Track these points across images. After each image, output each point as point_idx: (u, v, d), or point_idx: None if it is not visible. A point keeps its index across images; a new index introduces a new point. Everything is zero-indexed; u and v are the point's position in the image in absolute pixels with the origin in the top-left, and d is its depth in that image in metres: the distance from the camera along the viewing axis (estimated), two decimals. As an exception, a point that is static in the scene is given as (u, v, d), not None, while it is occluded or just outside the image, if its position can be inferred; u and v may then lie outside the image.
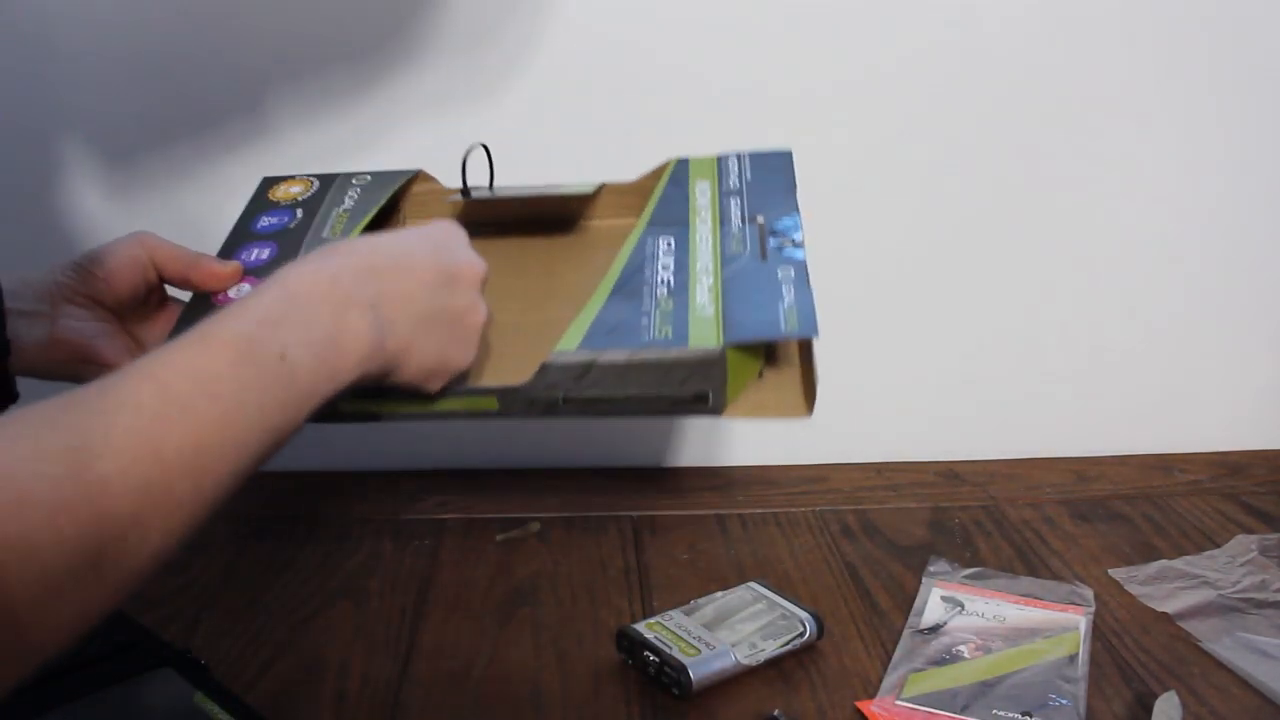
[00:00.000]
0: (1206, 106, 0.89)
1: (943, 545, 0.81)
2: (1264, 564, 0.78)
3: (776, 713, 0.61)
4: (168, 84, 0.83)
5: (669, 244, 0.64)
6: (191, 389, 0.40)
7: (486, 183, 0.71)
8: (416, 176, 0.72)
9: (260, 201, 0.69)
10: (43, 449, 0.35)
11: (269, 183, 0.71)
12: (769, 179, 0.69)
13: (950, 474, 0.93)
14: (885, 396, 0.95)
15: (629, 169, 0.72)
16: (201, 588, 0.74)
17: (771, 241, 0.64)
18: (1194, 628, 0.71)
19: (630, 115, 0.85)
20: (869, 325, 0.93)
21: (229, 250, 0.65)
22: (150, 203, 0.85)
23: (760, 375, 0.61)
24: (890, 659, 0.67)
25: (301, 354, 0.45)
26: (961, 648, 0.67)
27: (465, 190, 0.70)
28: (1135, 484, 0.92)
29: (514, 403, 0.58)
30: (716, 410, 0.59)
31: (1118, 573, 0.77)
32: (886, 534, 0.83)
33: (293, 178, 0.71)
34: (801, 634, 0.67)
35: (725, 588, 0.72)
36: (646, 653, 0.64)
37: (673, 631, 0.65)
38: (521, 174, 0.72)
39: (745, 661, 0.64)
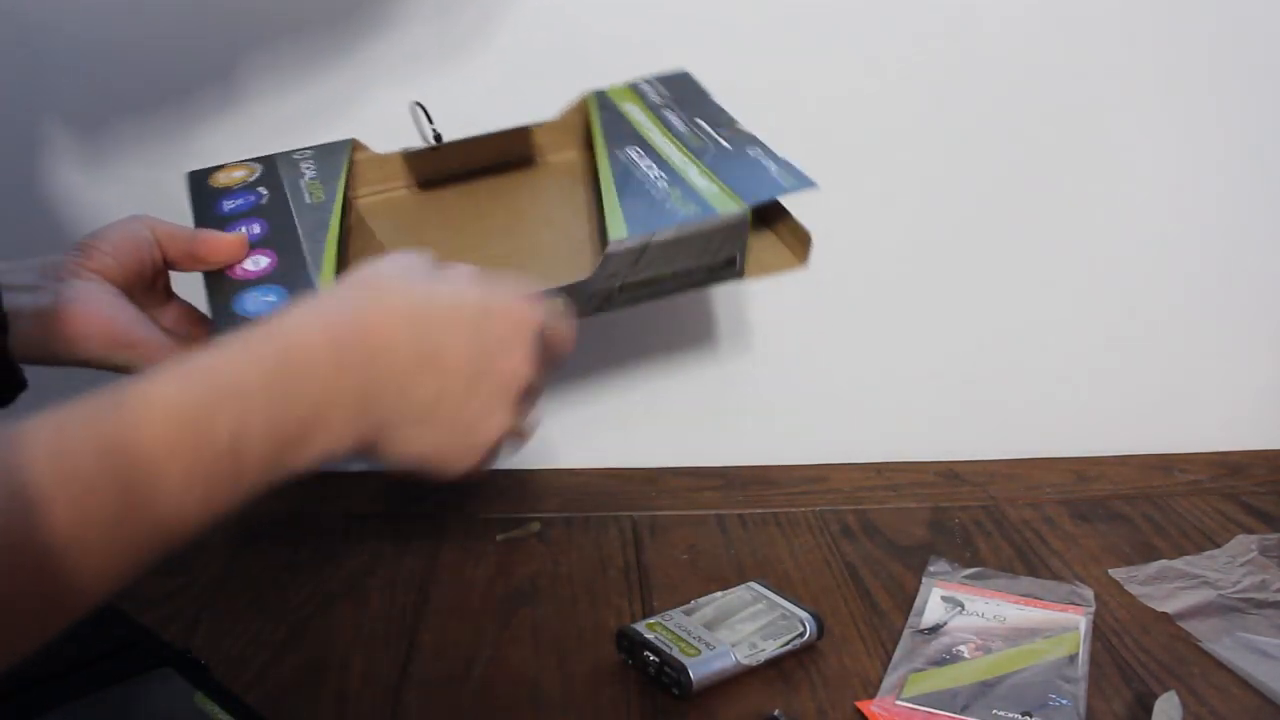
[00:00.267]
0: (1207, 106, 0.89)
1: (943, 545, 0.81)
2: (1264, 564, 0.78)
3: (776, 713, 0.61)
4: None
5: (638, 152, 0.68)
6: (97, 470, 0.34)
7: (430, 140, 0.72)
8: (352, 146, 0.72)
9: (206, 191, 0.67)
10: None
11: (201, 175, 0.68)
12: (686, 93, 0.74)
13: (950, 474, 0.93)
14: (885, 396, 0.95)
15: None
16: (201, 588, 0.74)
17: (723, 132, 0.69)
18: (1194, 628, 0.71)
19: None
20: (869, 325, 0.93)
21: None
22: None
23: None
24: (890, 659, 0.67)
25: (257, 445, 0.38)
26: (961, 648, 0.67)
27: (438, 137, 0.70)
28: (1135, 484, 0.92)
29: (578, 299, 0.60)
30: (740, 273, 0.66)
31: (1118, 573, 0.77)
32: (886, 534, 0.83)
33: (222, 167, 0.68)
34: (801, 634, 0.67)
35: (725, 588, 0.72)
36: (646, 653, 0.64)
37: (673, 631, 0.65)
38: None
39: (745, 661, 0.64)
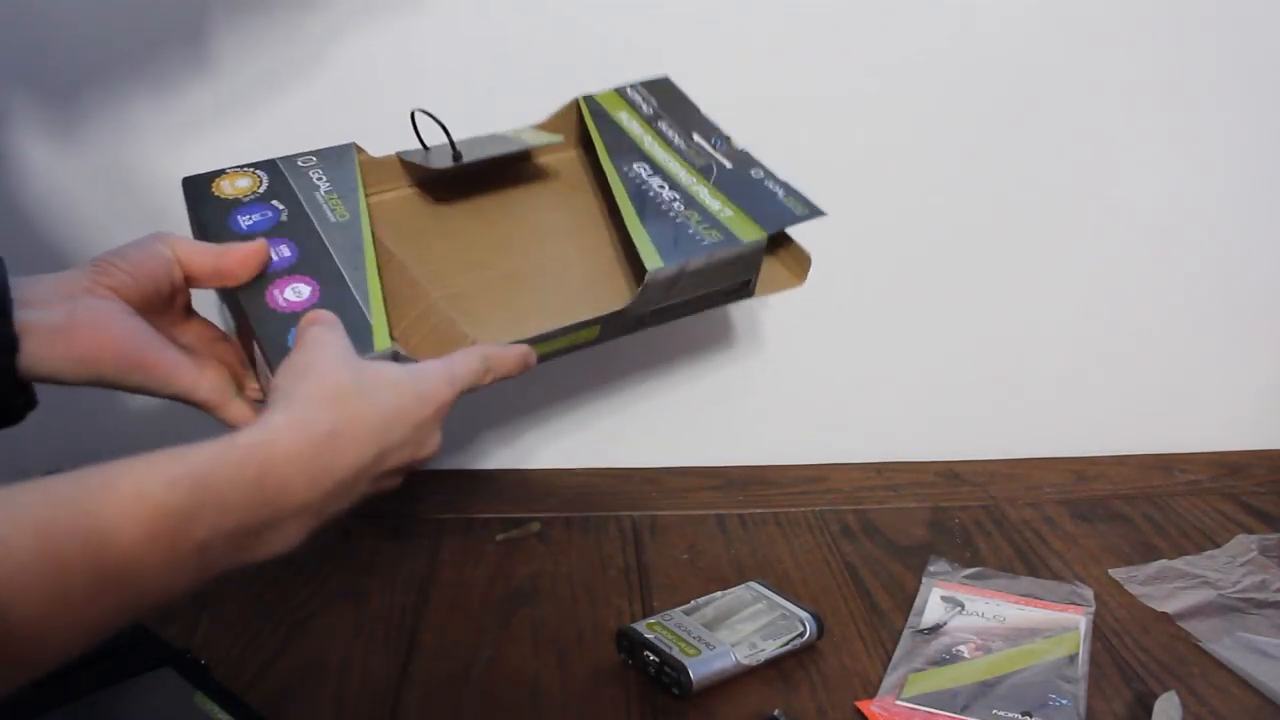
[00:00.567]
0: (1207, 106, 0.89)
1: (943, 545, 0.81)
2: (1264, 564, 0.78)
3: (776, 713, 0.61)
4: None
5: (646, 169, 0.70)
6: (78, 557, 0.36)
7: (428, 142, 0.70)
8: (356, 151, 0.71)
9: (211, 202, 0.63)
10: None
11: (200, 183, 0.65)
12: (673, 103, 0.75)
13: (950, 474, 0.93)
14: (885, 396, 0.95)
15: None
16: (201, 587, 0.74)
17: (721, 148, 0.72)
18: (1194, 628, 0.71)
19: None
20: (869, 325, 0.93)
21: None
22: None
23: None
24: (890, 659, 0.67)
25: (222, 545, 0.41)
26: (961, 648, 0.67)
27: (457, 155, 0.68)
28: (1135, 484, 0.92)
29: (614, 327, 0.64)
30: (751, 292, 0.70)
31: (1118, 573, 0.77)
32: (886, 534, 0.83)
33: (223, 172, 0.66)
34: (801, 634, 0.67)
35: (725, 588, 0.72)
36: (646, 653, 0.64)
37: (673, 631, 0.65)
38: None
39: (745, 661, 0.64)
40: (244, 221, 0.62)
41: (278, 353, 0.55)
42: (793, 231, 0.70)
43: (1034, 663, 0.66)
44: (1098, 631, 0.70)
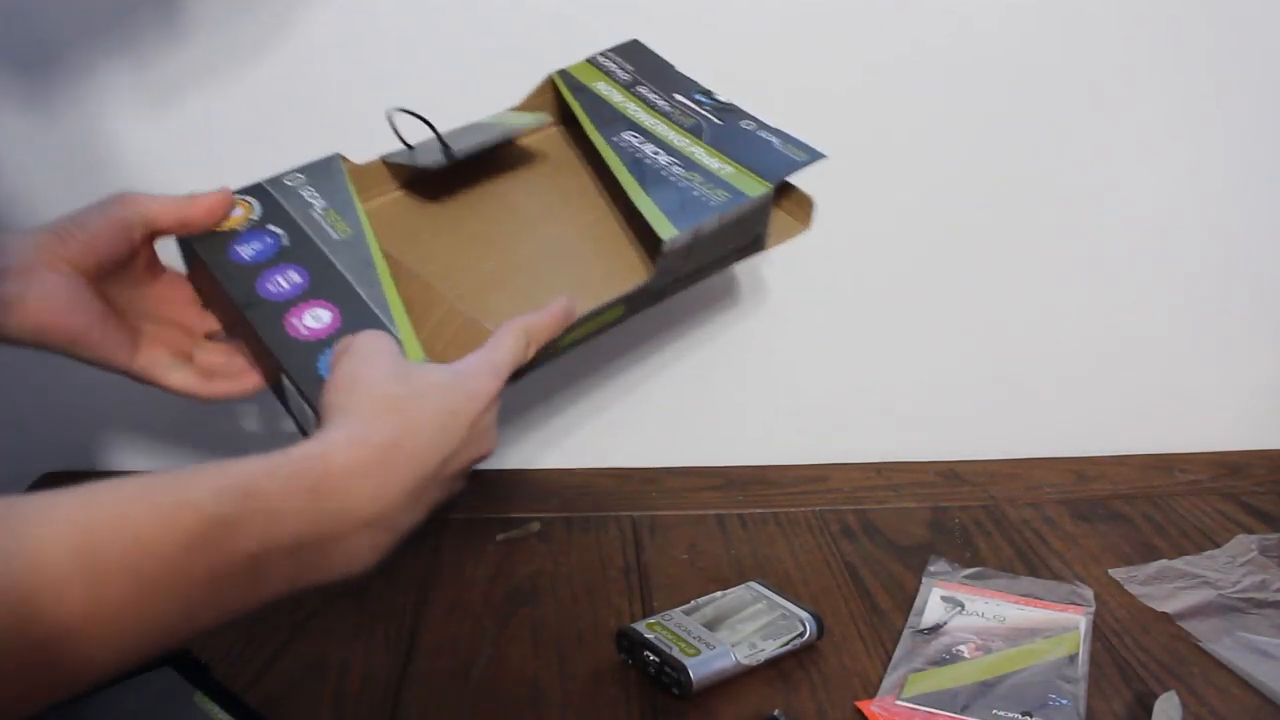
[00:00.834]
0: (1207, 106, 0.89)
1: (943, 545, 0.81)
2: (1264, 564, 0.78)
3: (776, 713, 0.61)
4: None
5: (637, 137, 0.68)
6: (117, 565, 0.35)
7: (407, 139, 0.68)
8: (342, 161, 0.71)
9: (205, 235, 0.62)
10: None
11: None
12: (648, 64, 0.74)
13: (950, 474, 0.93)
14: (885, 396, 0.95)
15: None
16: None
17: (706, 104, 0.71)
18: (1194, 628, 0.71)
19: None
20: (869, 325, 0.93)
21: (245, 291, 0.59)
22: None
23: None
24: (890, 659, 0.67)
25: (279, 560, 0.40)
26: (961, 648, 0.67)
27: (449, 154, 0.67)
28: (1135, 484, 0.92)
29: (637, 303, 0.64)
30: (763, 246, 0.69)
31: (1118, 573, 0.77)
32: (886, 534, 0.83)
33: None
34: (801, 634, 0.67)
35: (725, 588, 0.72)
36: (646, 653, 0.64)
37: (673, 631, 0.65)
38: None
39: (745, 661, 0.64)
40: (245, 253, 0.61)
41: (310, 382, 0.55)
42: (792, 178, 0.69)
43: (1034, 663, 0.66)
44: (1098, 631, 0.70)
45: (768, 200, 0.66)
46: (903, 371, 0.95)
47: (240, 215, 0.63)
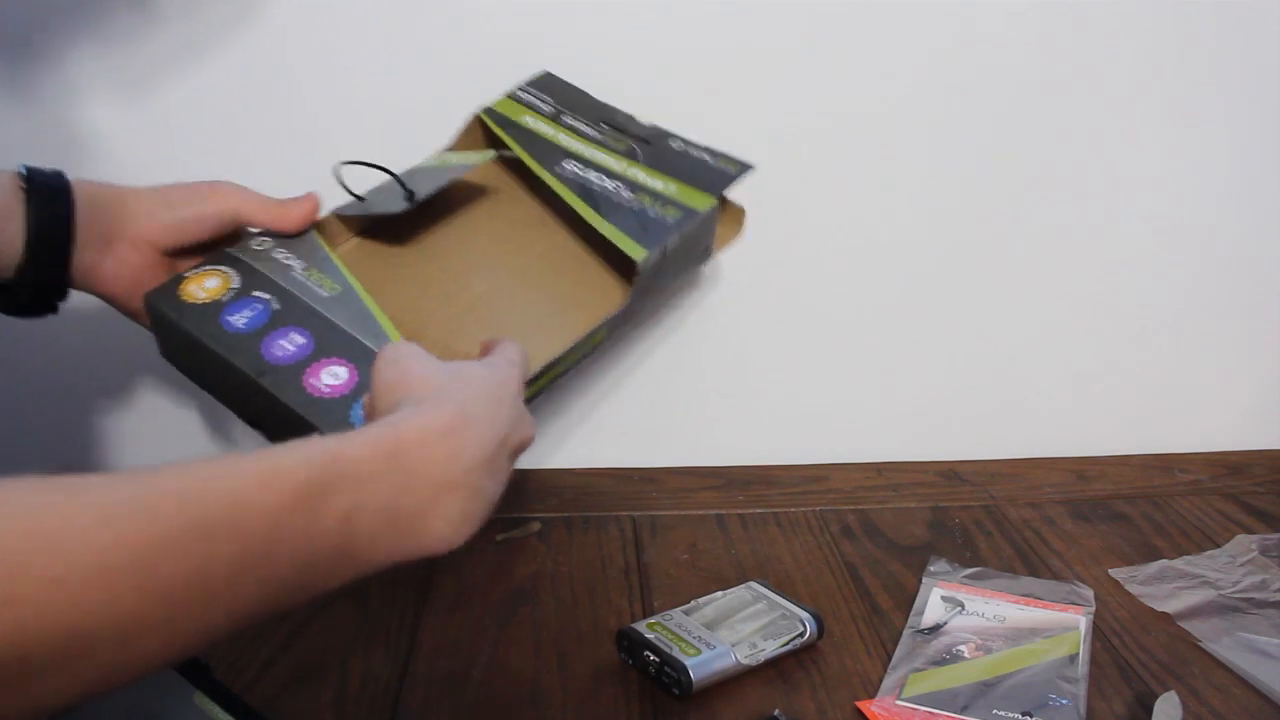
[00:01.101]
0: (1206, 106, 0.89)
1: (943, 545, 0.81)
2: (1264, 564, 0.78)
3: (776, 713, 0.61)
4: None
5: (577, 166, 0.71)
6: (223, 524, 0.37)
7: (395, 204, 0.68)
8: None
9: (189, 309, 0.61)
10: (8, 526, 0.32)
11: (166, 292, 0.62)
12: (566, 95, 0.75)
13: (950, 474, 0.93)
14: (885, 396, 0.95)
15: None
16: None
17: (633, 128, 0.73)
18: (1194, 628, 0.71)
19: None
20: (869, 325, 0.93)
21: (252, 360, 0.59)
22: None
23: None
24: (890, 659, 0.67)
25: (373, 521, 0.42)
26: (961, 648, 0.67)
27: (410, 196, 0.67)
28: (1135, 484, 0.92)
29: (618, 322, 0.67)
30: (709, 254, 0.74)
31: (1118, 573, 0.77)
32: (887, 534, 0.83)
33: (184, 278, 0.63)
34: (801, 634, 0.67)
35: (725, 588, 0.72)
36: (647, 653, 0.64)
37: (673, 631, 0.65)
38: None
39: (745, 661, 0.64)
40: (238, 322, 0.61)
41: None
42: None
43: (1034, 663, 0.66)
44: (1098, 631, 0.70)
45: (714, 213, 0.70)
46: (903, 371, 0.95)
47: (218, 285, 0.63)
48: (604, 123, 0.73)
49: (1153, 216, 0.92)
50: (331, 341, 0.60)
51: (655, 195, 0.68)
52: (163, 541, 0.35)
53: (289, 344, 0.60)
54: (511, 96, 0.75)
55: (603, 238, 0.67)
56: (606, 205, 0.68)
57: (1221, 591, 0.74)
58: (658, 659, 0.63)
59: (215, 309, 0.61)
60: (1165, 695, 0.63)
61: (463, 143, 0.74)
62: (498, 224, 0.72)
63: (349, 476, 0.41)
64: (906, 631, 0.70)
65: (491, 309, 0.66)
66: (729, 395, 0.94)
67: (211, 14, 0.80)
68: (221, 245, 0.65)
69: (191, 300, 0.62)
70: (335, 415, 0.57)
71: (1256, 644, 0.68)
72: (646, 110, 0.75)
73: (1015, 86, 0.87)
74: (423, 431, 0.44)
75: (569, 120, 0.73)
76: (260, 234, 0.66)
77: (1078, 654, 0.67)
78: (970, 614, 0.71)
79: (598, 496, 0.88)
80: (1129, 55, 0.87)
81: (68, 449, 0.90)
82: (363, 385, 0.58)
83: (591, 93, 0.75)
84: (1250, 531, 0.83)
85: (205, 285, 0.62)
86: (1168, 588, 0.75)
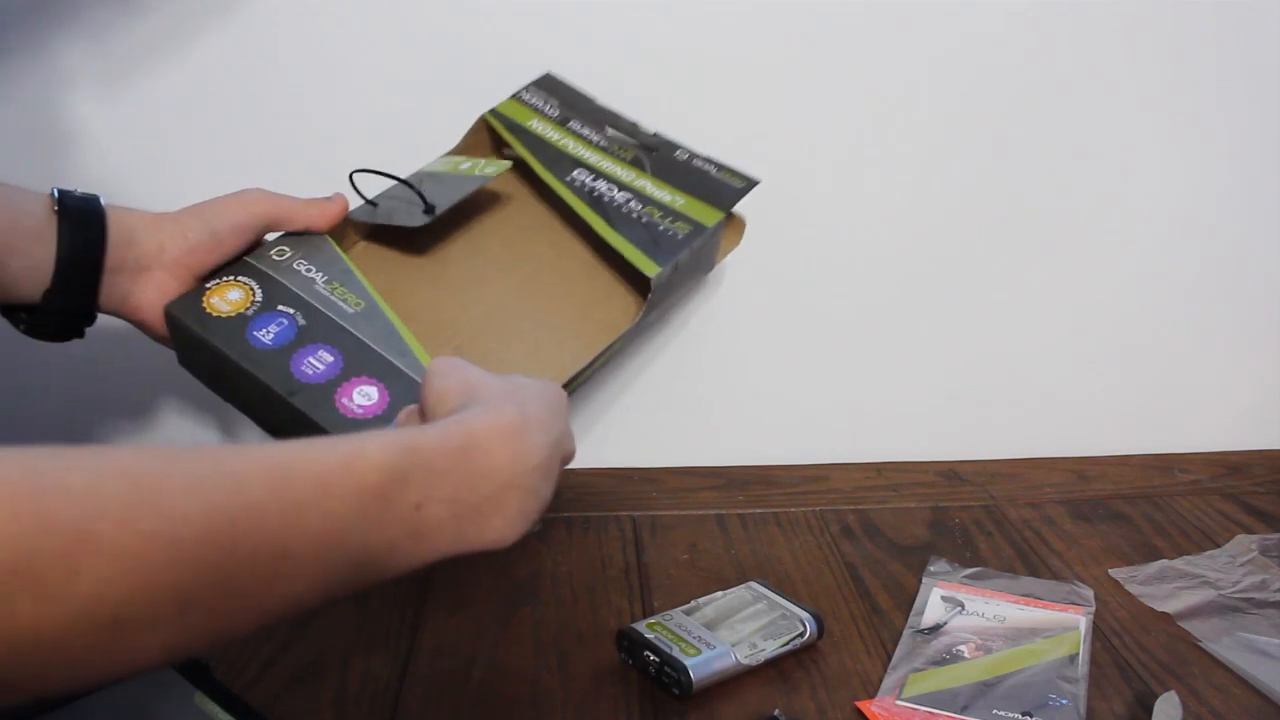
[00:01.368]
0: (1206, 107, 0.89)
1: (943, 545, 0.81)
2: (1264, 564, 0.78)
3: (776, 713, 0.61)
4: None
5: (586, 175, 0.71)
6: (308, 500, 0.38)
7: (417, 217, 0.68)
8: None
9: (213, 322, 0.61)
10: (107, 487, 0.33)
11: (189, 302, 0.62)
12: (570, 99, 0.75)
13: (950, 474, 0.93)
14: (886, 396, 0.95)
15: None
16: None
17: (640, 136, 0.73)
18: (1194, 628, 0.71)
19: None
20: (870, 325, 0.93)
21: (282, 378, 0.59)
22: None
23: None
24: (890, 659, 0.67)
25: (441, 512, 0.43)
26: (961, 648, 0.67)
27: (430, 209, 0.66)
28: (1135, 484, 0.92)
29: (630, 337, 0.67)
30: (712, 266, 0.75)
31: (1118, 573, 0.77)
32: (887, 534, 0.83)
33: (205, 289, 0.62)
34: (801, 634, 0.67)
35: (725, 588, 0.72)
36: (647, 653, 0.64)
37: (673, 631, 0.65)
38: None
39: (745, 661, 0.64)
40: (264, 337, 0.61)
41: None
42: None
43: (1034, 663, 0.66)
44: (1098, 631, 0.70)
45: (721, 228, 0.71)
46: (903, 371, 0.95)
47: (241, 297, 0.62)
48: (609, 127, 0.73)
49: (1153, 217, 0.92)
50: (361, 360, 0.60)
51: (664, 209, 0.69)
52: (249, 512, 0.36)
53: (318, 362, 0.60)
54: (516, 99, 0.75)
55: (611, 246, 0.67)
56: (617, 217, 0.68)
57: (1221, 591, 0.74)
58: (658, 659, 0.63)
59: (240, 323, 0.61)
60: (1165, 695, 0.63)
61: (469, 144, 0.74)
62: (507, 229, 0.72)
63: (424, 467, 0.42)
64: (906, 631, 0.70)
65: (505, 319, 0.67)
66: (729, 395, 0.94)
67: (195, 4, 0.79)
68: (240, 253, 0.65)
69: (215, 313, 0.61)
70: None
71: (1256, 644, 0.68)
72: (647, 111, 0.75)
73: (1013, 88, 0.87)
74: (490, 430, 0.46)
75: (574, 125, 0.73)
76: (279, 242, 0.66)
77: (1078, 654, 0.67)
78: (970, 614, 0.71)
79: (598, 496, 0.88)
80: (1129, 56, 0.87)
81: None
82: (395, 406, 0.58)
83: (594, 95, 0.75)
84: (1250, 531, 0.83)
85: (228, 297, 0.62)
86: (1168, 588, 0.75)
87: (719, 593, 0.71)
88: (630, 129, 0.73)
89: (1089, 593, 0.74)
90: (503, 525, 0.46)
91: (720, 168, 0.72)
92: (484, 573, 0.76)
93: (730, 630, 0.66)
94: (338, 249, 0.66)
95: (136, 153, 0.81)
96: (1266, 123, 0.90)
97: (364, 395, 0.58)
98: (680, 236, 0.67)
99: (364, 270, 0.66)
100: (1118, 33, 0.86)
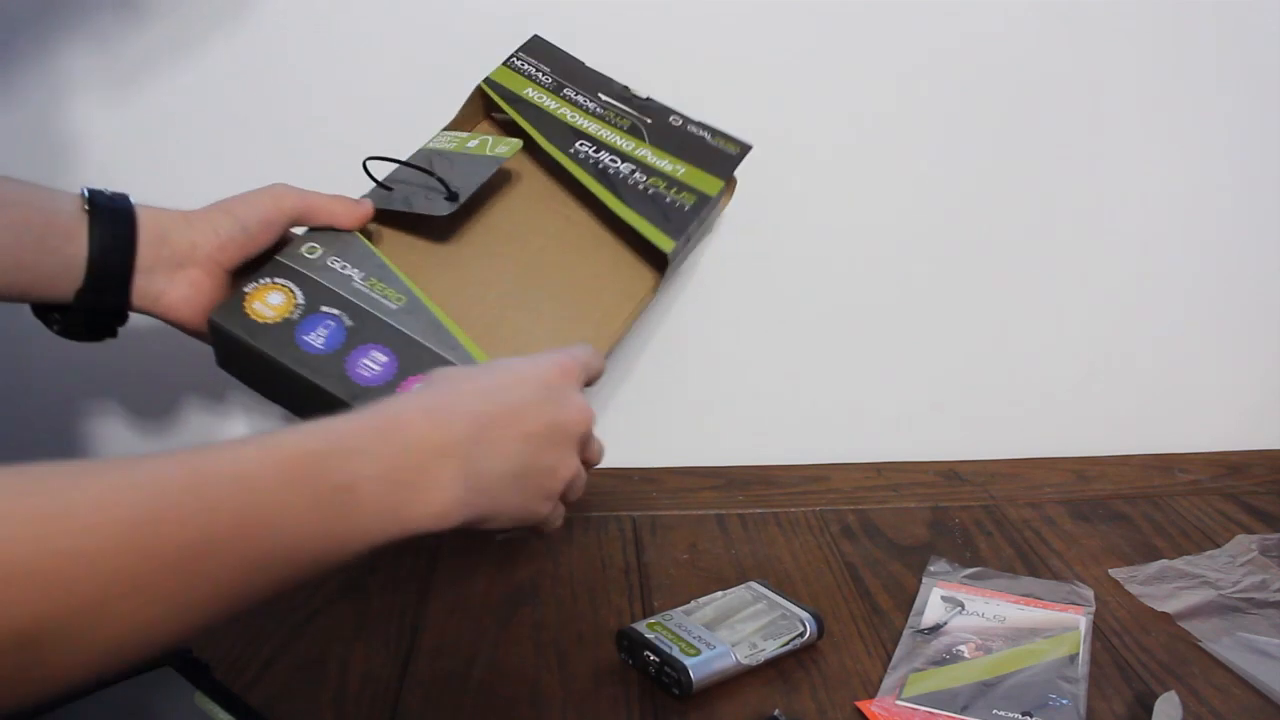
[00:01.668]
0: (1206, 108, 0.89)
1: (943, 545, 0.81)
2: (1264, 564, 0.78)
3: (776, 713, 0.61)
4: None
5: (588, 146, 0.71)
6: (227, 494, 0.39)
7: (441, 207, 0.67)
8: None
9: (260, 329, 0.60)
10: (15, 509, 0.33)
11: (232, 308, 0.61)
12: (561, 64, 0.75)
13: (950, 474, 0.93)
14: (885, 396, 0.95)
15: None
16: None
17: (634, 102, 0.74)
18: (1194, 628, 0.71)
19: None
20: (870, 326, 0.93)
21: (342, 384, 0.59)
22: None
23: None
24: (890, 659, 0.67)
25: (373, 490, 0.43)
26: (961, 648, 0.67)
27: (453, 195, 0.66)
28: (1135, 484, 0.92)
29: (643, 312, 0.69)
30: (711, 229, 0.78)
31: (1118, 573, 0.77)
32: (887, 534, 0.83)
33: (244, 294, 0.61)
34: (801, 634, 0.67)
35: (725, 588, 0.72)
36: (647, 653, 0.64)
37: (673, 631, 0.65)
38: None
39: (745, 661, 0.64)
40: (315, 341, 0.60)
41: None
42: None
43: (1034, 663, 0.66)
44: (1098, 631, 0.70)
45: (722, 194, 0.73)
46: (903, 371, 0.95)
47: (284, 301, 0.61)
48: (602, 93, 0.74)
49: (1153, 216, 0.92)
50: (415, 358, 0.60)
51: (667, 179, 0.70)
52: (167, 510, 0.36)
53: (373, 364, 0.59)
54: (509, 65, 0.75)
55: (621, 219, 0.68)
56: (625, 190, 0.69)
57: (1221, 591, 0.74)
58: (658, 659, 0.63)
59: (288, 328, 0.60)
60: (1165, 695, 0.63)
61: (465, 115, 0.74)
62: (515, 203, 0.72)
63: (342, 449, 0.43)
64: (906, 631, 0.70)
65: (525, 295, 0.67)
66: (729, 395, 0.94)
67: (199, 9, 0.80)
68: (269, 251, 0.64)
69: (261, 319, 0.60)
70: None
71: (1256, 644, 0.68)
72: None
73: (1013, 88, 0.87)
74: (408, 403, 0.47)
75: (569, 93, 0.74)
76: (307, 239, 0.65)
77: (1078, 654, 0.67)
78: (970, 614, 0.71)
79: (598, 496, 0.88)
80: (1129, 56, 0.87)
81: (67, 443, 0.90)
82: None
83: (582, 58, 0.76)
84: (1250, 531, 0.83)
85: (270, 301, 0.61)
86: (1168, 588, 0.75)
87: (719, 593, 0.71)
88: (622, 94, 0.74)
89: (1089, 593, 0.74)
90: (442, 497, 0.46)
91: (714, 133, 0.73)
92: (484, 573, 0.76)
93: (730, 630, 0.66)
94: (368, 243, 0.66)
95: (143, 157, 0.81)
96: (1266, 123, 0.90)
97: None
98: (687, 208, 0.69)
99: (393, 257, 0.65)
100: (1118, 33, 0.86)
